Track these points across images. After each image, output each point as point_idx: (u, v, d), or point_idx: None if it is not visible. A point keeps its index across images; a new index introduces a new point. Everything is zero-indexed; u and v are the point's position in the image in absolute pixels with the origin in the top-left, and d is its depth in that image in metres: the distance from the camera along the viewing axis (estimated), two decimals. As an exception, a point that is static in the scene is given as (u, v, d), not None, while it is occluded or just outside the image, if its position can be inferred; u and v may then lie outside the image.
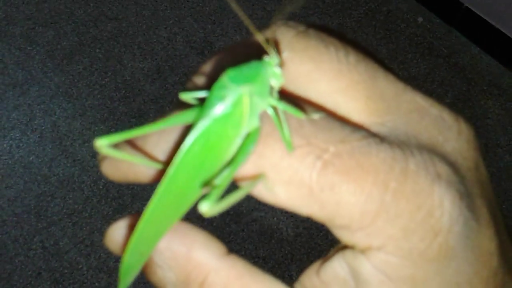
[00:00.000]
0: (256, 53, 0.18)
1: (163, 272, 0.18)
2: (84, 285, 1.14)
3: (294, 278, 1.16)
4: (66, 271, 1.15)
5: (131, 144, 0.18)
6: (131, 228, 0.19)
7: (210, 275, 0.18)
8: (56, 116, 1.30)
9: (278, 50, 0.18)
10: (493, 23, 1.43)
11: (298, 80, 0.18)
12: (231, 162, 0.17)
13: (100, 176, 1.24)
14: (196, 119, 0.17)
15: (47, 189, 1.22)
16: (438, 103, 0.18)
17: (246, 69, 0.17)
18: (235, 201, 0.16)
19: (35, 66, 1.36)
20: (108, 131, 1.29)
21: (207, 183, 0.17)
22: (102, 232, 1.18)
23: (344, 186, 0.16)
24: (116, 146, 0.18)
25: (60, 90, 1.33)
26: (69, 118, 1.30)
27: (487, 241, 0.17)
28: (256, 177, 0.16)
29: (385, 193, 0.15)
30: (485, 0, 1.42)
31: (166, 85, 1.37)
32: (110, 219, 1.19)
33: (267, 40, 0.18)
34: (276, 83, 0.18)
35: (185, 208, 0.18)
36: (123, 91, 1.35)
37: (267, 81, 0.17)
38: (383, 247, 0.16)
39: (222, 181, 0.17)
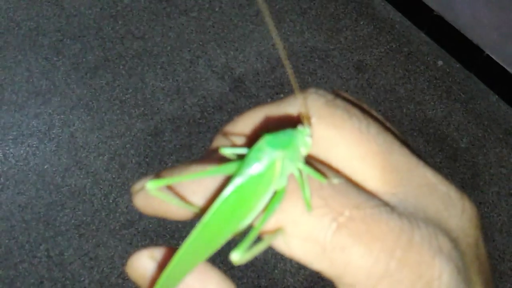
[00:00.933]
0: (286, 119, 0.21)
1: None
2: (84, 298, 1.14)
3: (295, 311, 1.15)
4: (68, 282, 1.15)
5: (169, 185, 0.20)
6: (160, 263, 0.21)
7: None
8: (74, 127, 1.32)
9: (307, 116, 0.20)
10: (513, 72, 1.43)
11: (322, 143, 0.20)
12: (259, 218, 0.19)
13: (111, 190, 1.25)
14: (234, 174, 0.19)
15: (58, 198, 1.23)
16: (446, 181, 0.20)
17: (282, 136, 0.20)
18: (260, 252, 0.18)
19: (59, 77, 1.39)
20: (123, 146, 1.30)
21: (236, 233, 0.19)
22: (107, 246, 1.18)
23: (355, 248, 0.17)
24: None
25: (81, 102, 1.36)
26: (86, 131, 1.32)
27: None
28: (276, 231, 0.18)
29: (390, 260, 0.17)
30: (505, 49, 1.43)
31: (185, 106, 1.39)
32: (116, 234, 1.19)
33: (302, 113, 0.20)
34: (305, 150, 0.20)
35: (213, 250, 0.20)
36: (142, 108, 1.37)
37: (299, 148, 0.20)
38: None
39: (250, 235, 0.18)
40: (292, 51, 1.52)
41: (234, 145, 0.21)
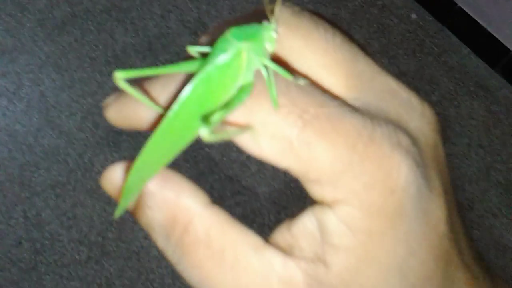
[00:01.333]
0: (256, 21, 0.21)
1: (152, 213, 0.20)
2: (64, 256, 1.15)
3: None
4: (47, 242, 1.15)
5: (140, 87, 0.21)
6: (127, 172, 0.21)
7: (195, 219, 0.20)
8: (44, 86, 1.29)
9: (273, 14, 0.21)
10: (484, 25, 1.45)
11: (289, 53, 0.20)
12: (226, 104, 0.20)
13: (85, 149, 1.24)
14: (199, 68, 0.20)
15: (31, 159, 1.21)
16: (408, 88, 0.21)
17: (247, 29, 0.20)
18: (228, 138, 0.19)
19: (25, 34, 1.34)
20: (96, 105, 1.28)
21: (205, 119, 0.19)
22: (85, 205, 1.18)
23: (319, 144, 0.18)
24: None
25: (50, 60, 1.32)
26: (57, 89, 1.29)
27: (437, 209, 0.19)
28: (244, 128, 0.19)
29: (353, 153, 0.18)
30: (478, 1, 1.44)
31: (157, 63, 1.36)
32: (93, 193, 1.19)
33: (269, 10, 0.21)
34: (270, 47, 0.20)
35: (182, 143, 0.20)
36: (113, 66, 1.34)
37: (264, 43, 0.20)
38: (347, 201, 0.18)
39: (217, 116, 0.19)
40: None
41: (201, 44, 0.22)
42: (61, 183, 1.20)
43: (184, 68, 0.20)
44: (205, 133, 0.18)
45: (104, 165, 1.23)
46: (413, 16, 1.55)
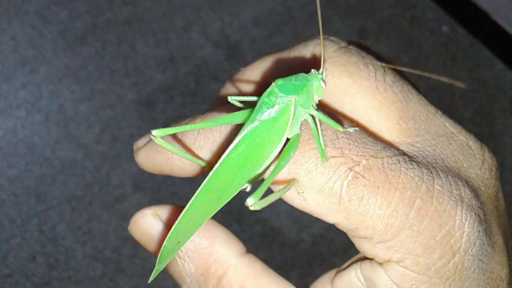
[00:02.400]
0: (297, 67, 0.20)
1: (183, 263, 0.20)
2: (78, 272, 1.12)
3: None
4: (61, 257, 1.13)
5: (176, 138, 0.21)
6: (166, 222, 0.21)
7: (229, 271, 0.19)
8: (63, 98, 1.27)
9: (319, 63, 0.20)
10: (520, 38, 1.37)
11: (335, 92, 0.19)
12: (274, 165, 0.19)
13: (103, 162, 1.21)
14: (244, 122, 0.19)
15: (48, 171, 1.19)
16: (465, 131, 0.20)
17: (295, 81, 0.19)
18: (273, 200, 0.18)
19: (46, 45, 1.33)
20: (115, 117, 1.26)
21: (250, 180, 0.20)
22: (101, 220, 1.15)
23: (372, 198, 0.17)
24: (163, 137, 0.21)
25: (70, 72, 1.31)
26: (76, 101, 1.27)
27: (499, 267, 0.17)
28: (289, 182, 0.18)
29: (410, 210, 0.16)
30: (514, 14, 1.37)
31: (178, 75, 1.34)
32: (110, 208, 1.16)
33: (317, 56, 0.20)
34: (318, 97, 0.19)
35: (223, 202, 0.20)
36: (134, 78, 1.32)
37: (312, 94, 0.19)
38: (402, 261, 0.17)
39: (265, 181, 0.19)
40: (290, 16, 1.45)
41: (243, 93, 0.22)
42: (78, 197, 1.18)
43: (224, 121, 0.20)
44: (252, 203, 0.18)
45: (122, 179, 1.20)
46: (445, 28, 1.49)
